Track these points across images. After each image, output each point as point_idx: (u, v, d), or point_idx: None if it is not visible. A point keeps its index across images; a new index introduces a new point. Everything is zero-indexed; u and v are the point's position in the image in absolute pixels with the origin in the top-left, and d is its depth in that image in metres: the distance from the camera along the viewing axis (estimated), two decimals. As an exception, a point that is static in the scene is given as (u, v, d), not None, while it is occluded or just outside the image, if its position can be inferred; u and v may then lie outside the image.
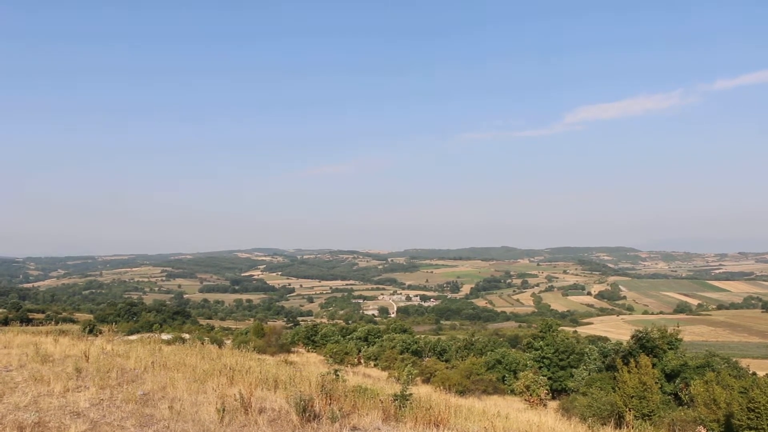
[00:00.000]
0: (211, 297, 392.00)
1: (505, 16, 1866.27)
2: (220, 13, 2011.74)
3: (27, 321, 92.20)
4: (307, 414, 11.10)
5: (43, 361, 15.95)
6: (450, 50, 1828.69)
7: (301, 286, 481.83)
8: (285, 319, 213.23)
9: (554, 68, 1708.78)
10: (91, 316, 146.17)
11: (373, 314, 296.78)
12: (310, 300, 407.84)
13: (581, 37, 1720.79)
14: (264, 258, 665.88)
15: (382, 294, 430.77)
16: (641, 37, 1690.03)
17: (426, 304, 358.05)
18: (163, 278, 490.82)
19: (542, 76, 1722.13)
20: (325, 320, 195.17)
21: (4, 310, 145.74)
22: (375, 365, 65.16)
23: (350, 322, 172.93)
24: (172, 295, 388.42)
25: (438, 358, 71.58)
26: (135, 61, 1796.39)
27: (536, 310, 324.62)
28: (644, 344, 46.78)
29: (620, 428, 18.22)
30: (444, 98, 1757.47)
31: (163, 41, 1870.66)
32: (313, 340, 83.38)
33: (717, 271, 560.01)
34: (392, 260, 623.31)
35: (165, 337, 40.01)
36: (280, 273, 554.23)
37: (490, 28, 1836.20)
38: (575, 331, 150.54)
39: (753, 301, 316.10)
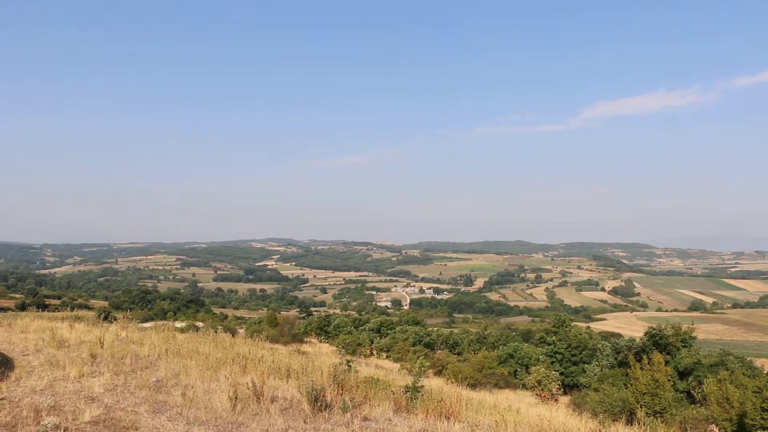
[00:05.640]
0: (225, 286, 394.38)
1: (522, 9, 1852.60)
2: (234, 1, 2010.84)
3: (43, 307, 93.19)
4: (319, 404, 11.17)
5: (59, 346, 16.14)
6: (465, 43, 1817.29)
7: (314, 276, 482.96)
8: (298, 310, 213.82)
9: (572, 63, 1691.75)
10: (106, 303, 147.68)
11: (386, 306, 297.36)
12: (324, 291, 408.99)
13: (599, 32, 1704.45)
14: (278, 248, 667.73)
15: (396, 286, 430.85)
16: (660, 32, 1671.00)
17: (439, 297, 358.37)
18: (178, 267, 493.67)
19: (560, 70, 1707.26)
20: (338, 311, 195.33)
21: (22, 295, 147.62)
22: (387, 357, 65.31)
23: (363, 313, 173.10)
24: (187, 284, 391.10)
25: (450, 351, 71.60)
26: (145, 49, 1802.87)
27: (549, 305, 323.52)
28: (657, 341, 46.62)
29: (631, 425, 18.16)
30: (459, 92, 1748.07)
31: (171, 29, 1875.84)
32: (325, 330, 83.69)
33: (733, 270, 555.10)
34: (406, 252, 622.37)
35: (179, 325, 40.28)
36: (293, 263, 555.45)
37: (506, 21, 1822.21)
38: (588, 327, 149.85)
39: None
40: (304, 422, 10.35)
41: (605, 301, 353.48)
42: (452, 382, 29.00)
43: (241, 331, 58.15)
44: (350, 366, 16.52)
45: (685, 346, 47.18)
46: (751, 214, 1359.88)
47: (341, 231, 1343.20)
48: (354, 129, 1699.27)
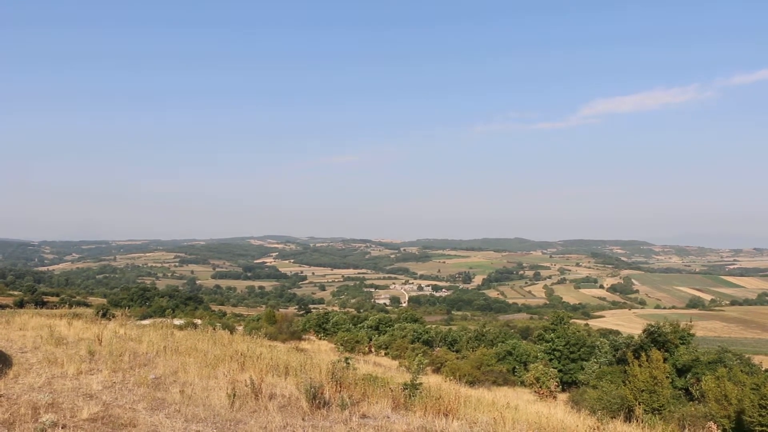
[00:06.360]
0: (224, 283, 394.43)
1: (521, 8, 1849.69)
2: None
3: (42, 304, 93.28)
4: (317, 401, 11.16)
5: (57, 343, 16.13)
6: (464, 41, 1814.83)
7: (313, 273, 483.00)
8: (297, 307, 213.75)
9: (571, 61, 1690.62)
10: (104, 300, 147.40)
11: (384, 303, 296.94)
12: (322, 288, 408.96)
13: (598, 30, 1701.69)
14: (277, 245, 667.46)
15: (394, 283, 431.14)
16: (659, 30, 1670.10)
17: (438, 294, 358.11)
18: (176, 264, 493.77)
19: (559, 68, 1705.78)
20: (336, 308, 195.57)
21: (20, 292, 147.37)
22: (386, 354, 65.30)
23: (362, 310, 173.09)
24: (185, 281, 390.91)
25: (449, 348, 71.68)
26: (144, 47, 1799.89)
27: (548, 302, 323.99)
28: (656, 338, 46.63)
29: (630, 422, 18.17)
30: (459, 90, 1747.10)
31: (171, 27, 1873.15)
32: (324, 327, 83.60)
33: (731, 267, 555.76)
34: (404, 250, 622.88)
35: (177, 322, 40.25)
36: (292, 260, 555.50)
37: (505, 20, 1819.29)
38: (587, 324, 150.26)
39: (767, 298, 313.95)
40: (303, 419, 10.35)
41: (604, 299, 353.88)
42: (451, 380, 29.04)
43: (240, 328, 58.09)
44: (349, 363, 16.49)
45: (683, 344, 47.19)
46: (750, 212, 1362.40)
47: (340, 228, 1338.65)
48: (353, 127, 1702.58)
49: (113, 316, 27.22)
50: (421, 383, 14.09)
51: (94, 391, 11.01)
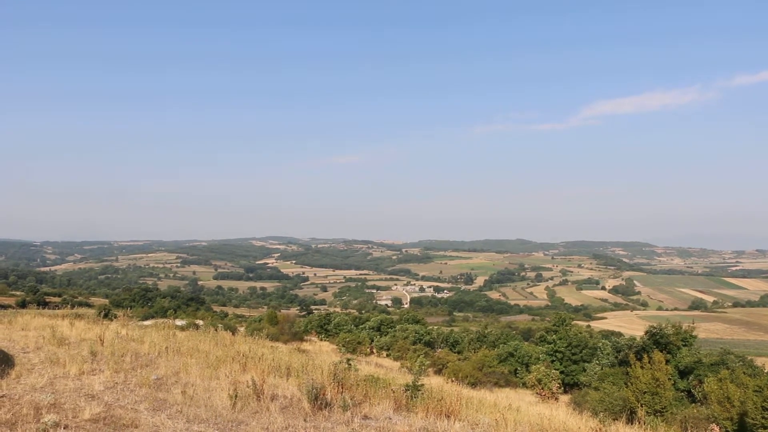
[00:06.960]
0: (226, 284, 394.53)
1: (522, 7, 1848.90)
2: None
3: (44, 304, 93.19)
4: (319, 402, 11.15)
5: (60, 343, 16.12)
6: (464, 41, 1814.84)
7: (315, 274, 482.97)
8: (298, 308, 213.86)
9: (572, 61, 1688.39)
10: (106, 301, 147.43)
11: (386, 304, 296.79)
12: (324, 289, 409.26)
13: (598, 30, 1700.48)
14: (278, 246, 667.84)
15: (396, 284, 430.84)
16: (659, 30, 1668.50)
17: (439, 296, 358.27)
18: (178, 265, 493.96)
19: (560, 69, 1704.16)
20: (338, 309, 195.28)
21: (22, 293, 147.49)
22: (387, 355, 65.30)
23: (363, 311, 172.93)
24: (187, 282, 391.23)
25: (450, 349, 71.58)
26: (142, 47, 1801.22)
27: (550, 304, 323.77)
28: (658, 340, 46.57)
29: (632, 424, 18.13)
30: (459, 90, 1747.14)
31: (171, 27, 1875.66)
32: (326, 329, 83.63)
33: (734, 268, 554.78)
34: (406, 251, 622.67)
35: (179, 322, 40.22)
36: (294, 261, 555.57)
37: (505, 19, 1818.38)
38: (588, 326, 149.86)
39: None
40: (304, 420, 10.33)
41: (606, 300, 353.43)
42: (452, 381, 28.97)
43: (242, 329, 58.07)
44: (350, 364, 16.48)
45: (685, 345, 47.13)
46: (752, 213, 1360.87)
47: (341, 229, 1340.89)
48: (353, 127, 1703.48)
49: (115, 317, 27.30)
50: (422, 384, 14.08)
51: (96, 392, 11.01)
